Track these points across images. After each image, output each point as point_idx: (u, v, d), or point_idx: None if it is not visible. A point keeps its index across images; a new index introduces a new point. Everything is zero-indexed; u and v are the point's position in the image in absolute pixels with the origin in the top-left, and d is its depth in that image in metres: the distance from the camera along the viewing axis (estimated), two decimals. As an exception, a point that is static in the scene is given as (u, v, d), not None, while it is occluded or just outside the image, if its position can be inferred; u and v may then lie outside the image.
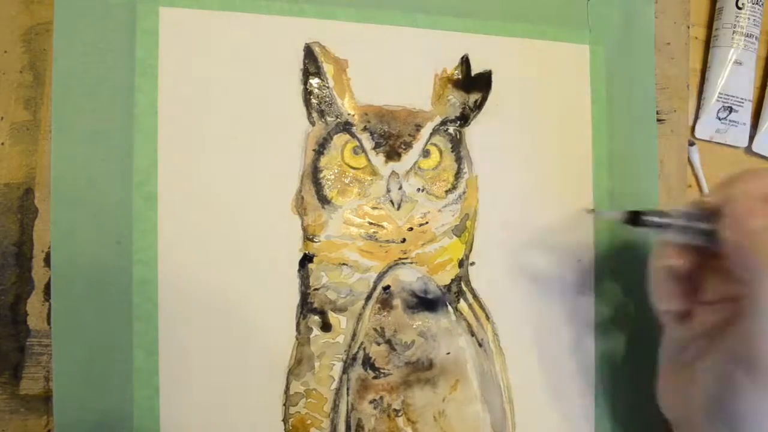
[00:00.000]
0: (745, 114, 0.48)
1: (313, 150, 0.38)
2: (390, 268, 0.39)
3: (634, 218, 0.35)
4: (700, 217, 0.33)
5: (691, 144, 0.48)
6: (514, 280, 0.41)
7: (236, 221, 0.37)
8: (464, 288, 0.40)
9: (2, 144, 0.36)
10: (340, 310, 0.38)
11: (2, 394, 0.35)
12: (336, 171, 0.39)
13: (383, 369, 0.39)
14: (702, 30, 0.49)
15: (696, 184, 0.48)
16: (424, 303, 0.39)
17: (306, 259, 0.38)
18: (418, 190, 0.40)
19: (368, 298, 0.39)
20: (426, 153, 0.40)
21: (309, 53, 0.39)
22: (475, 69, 0.41)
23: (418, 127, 0.40)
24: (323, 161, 0.38)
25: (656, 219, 0.35)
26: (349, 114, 0.39)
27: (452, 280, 0.40)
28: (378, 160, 0.39)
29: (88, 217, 0.35)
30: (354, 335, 0.38)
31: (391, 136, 0.39)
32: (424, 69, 0.40)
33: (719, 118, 0.47)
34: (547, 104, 0.43)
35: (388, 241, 0.39)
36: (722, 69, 0.47)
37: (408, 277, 0.39)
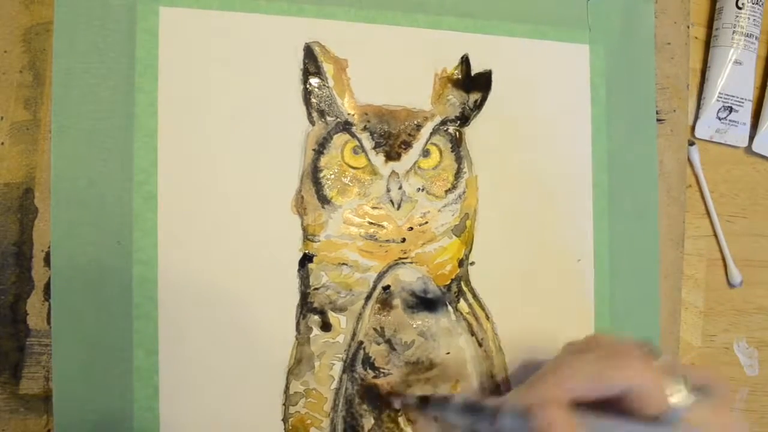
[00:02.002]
0: (745, 114, 0.48)
1: (313, 150, 0.38)
2: (390, 267, 0.39)
3: (423, 404, 0.37)
4: (484, 412, 0.32)
5: (691, 144, 0.48)
6: (514, 280, 0.41)
7: (236, 221, 0.37)
8: (464, 288, 0.40)
9: (2, 144, 0.36)
10: (340, 309, 0.38)
11: (2, 393, 0.35)
12: (336, 171, 0.39)
13: (383, 369, 0.39)
14: (702, 30, 0.49)
15: (696, 183, 0.48)
16: (424, 303, 0.39)
17: (306, 259, 0.38)
18: (418, 189, 0.40)
19: (368, 297, 0.39)
20: (426, 153, 0.40)
21: (309, 53, 0.39)
22: (475, 69, 0.41)
23: (418, 127, 0.40)
24: (323, 161, 0.38)
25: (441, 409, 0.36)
26: (349, 114, 0.39)
27: (452, 279, 0.40)
28: (378, 159, 0.39)
29: (88, 217, 0.35)
30: (354, 335, 0.38)
31: (391, 135, 0.39)
32: (424, 69, 0.40)
33: (719, 118, 0.48)
34: (547, 104, 0.43)
35: (388, 241, 0.39)
36: (722, 69, 0.47)
37: (408, 276, 0.39)
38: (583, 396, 0.30)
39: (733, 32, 0.47)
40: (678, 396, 0.29)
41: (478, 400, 0.33)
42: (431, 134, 0.40)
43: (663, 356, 0.31)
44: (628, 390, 0.29)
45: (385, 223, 0.39)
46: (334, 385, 0.38)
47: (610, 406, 0.29)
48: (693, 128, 0.48)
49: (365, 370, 0.38)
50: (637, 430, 0.29)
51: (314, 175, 0.38)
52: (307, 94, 0.38)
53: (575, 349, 0.33)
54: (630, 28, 0.45)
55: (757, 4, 0.47)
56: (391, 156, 0.39)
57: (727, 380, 0.31)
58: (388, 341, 0.39)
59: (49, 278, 0.35)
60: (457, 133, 0.41)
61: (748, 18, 0.47)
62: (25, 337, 0.36)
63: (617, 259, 0.43)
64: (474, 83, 0.41)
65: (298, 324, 0.38)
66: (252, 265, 0.37)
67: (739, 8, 0.47)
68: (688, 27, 0.47)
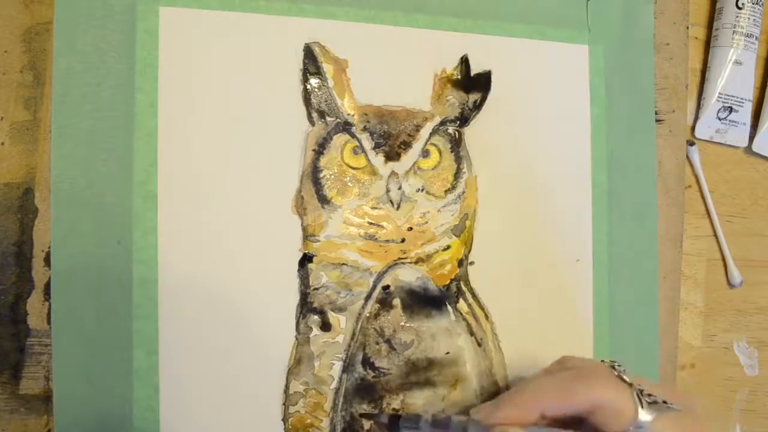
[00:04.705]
0: (745, 114, 0.48)
1: (313, 150, 0.38)
2: (389, 267, 0.39)
3: (393, 422, 0.36)
4: (450, 428, 0.33)
5: (691, 144, 0.48)
6: (514, 280, 0.41)
7: (236, 221, 0.37)
8: (464, 288, 0.40)
9: (2, 144, 0.36)
10: (340, 309, 0.38)
11: (2, 393, 0.35)
12: (336, 171, 0.39)
13: (383, 369, 0.39)
14: (702, 30, 0.49)
15: (696, 184, 0.48)
16: (424, 302, 0.39)
17: (306, 259, 0.38)
18: (418, 190, 0.40)
19: (368, 297, 0.39)
20: (425, 153, 0.40)
21: (309, 53, 0.39)
22: (475, 69, 0.41)
23: (418, 127, 0.40)
24: (323, 161, 0.38)
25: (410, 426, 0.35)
26: (348, 114, 0.39)
27: (452, 279, 0.40)
28: (377, 160, 0.39)
29: (88, 217, 0.35)
30: (353, 335, 0.38)
31: (390, 136, 0.39)
32: (424, 69, 0.40)
33: (719, 118, 0.48)
34: (547, 104, 0.43)
35: (387, 241, 0.39)
36: (722, 69, 0.47)
37: (407, 276, 0.39)
38: (550, 412, 0.31)
39: (733, 32, 0.47)
40: (641, 412, 0.30)
41: (447, 416, 0.34)
42: (431, 134, 0.40)
43: (631, 374, 0.32)
44: (594, 407, 0.30)
45: (384, 223, 0.39)
46: (334, 384, 0.38)
47: (580, 425, 0.31)
48: (693, 128, 0.48)
49: (365, 370, 0.39)
50: None
51: (314, 175, 0.38)
52: (307, 95, 0.39)
53: (546, 370, 0.35)
54: (629, 29, 0.45)
55: (757, 4, 0.47)
56: (391, 156, 0.39)
57: (696, 399, 0.33)
58: (388, 341, 0.39)
59: (49, 278, 0.35)
60: (457, 133, 0.41)
61: (748, 18, 0.47)
62: (26, 337, 0.36)
63: (616, 259, 0.43)
64: (473, 83, 0.41)
65: (298, 324, 0.38)
66: (252, 265, 0.37)
67: (739, 8, 0.47)
68: (687, 27, 0.47)
